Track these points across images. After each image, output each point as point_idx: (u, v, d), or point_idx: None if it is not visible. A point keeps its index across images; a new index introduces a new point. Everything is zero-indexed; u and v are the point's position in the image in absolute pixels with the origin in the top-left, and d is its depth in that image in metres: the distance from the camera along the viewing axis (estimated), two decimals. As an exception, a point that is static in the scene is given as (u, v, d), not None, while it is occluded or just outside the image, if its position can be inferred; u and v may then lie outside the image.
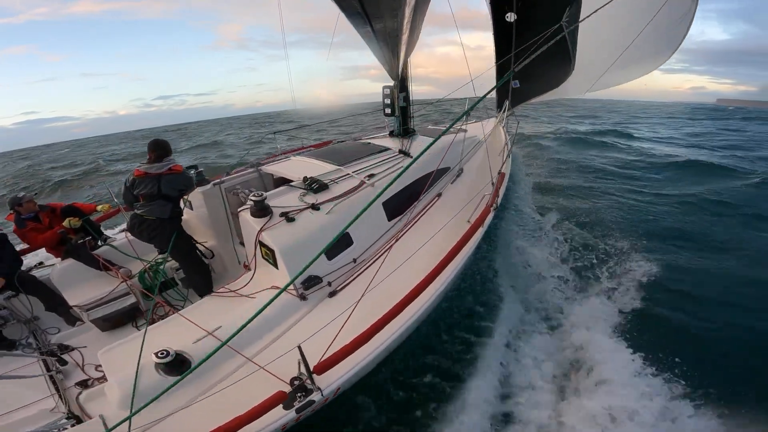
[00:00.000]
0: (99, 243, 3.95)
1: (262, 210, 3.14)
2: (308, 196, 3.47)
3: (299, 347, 2.15)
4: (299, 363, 2.16)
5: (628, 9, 5.42)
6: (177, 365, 2.30)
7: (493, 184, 4.38)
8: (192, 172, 3.98)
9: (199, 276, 3.66)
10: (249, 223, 3.17)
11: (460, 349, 3.79)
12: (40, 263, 4.06)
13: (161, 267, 3.83)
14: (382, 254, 3.44)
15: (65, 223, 3.79)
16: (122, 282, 3.61)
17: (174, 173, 3.26)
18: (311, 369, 2.13)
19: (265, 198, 3.15)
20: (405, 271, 3.08)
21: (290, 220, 3.15)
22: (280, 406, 2.03)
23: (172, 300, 3.69)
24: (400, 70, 4.79)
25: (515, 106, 7.19)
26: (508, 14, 6.56)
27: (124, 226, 4.35)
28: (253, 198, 3.13)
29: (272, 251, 2.98)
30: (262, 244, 3.07)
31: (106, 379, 2.87)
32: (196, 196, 4.02)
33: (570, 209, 7.51)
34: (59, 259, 3.87)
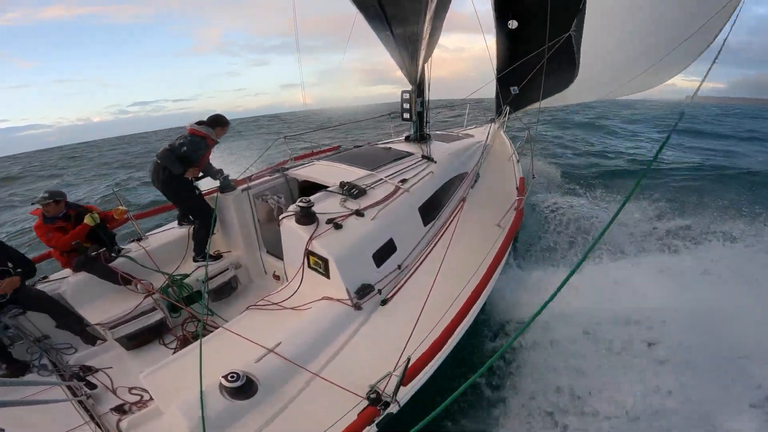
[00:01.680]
0: (113, 255, 3.67)
1: (308, 217, 3.03)
2: (349, 202, 3.38)
3: (405, 360, 2.04)
4: (389, 375, 2.08)
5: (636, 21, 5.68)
6: (246, 389, 2.15)
7: (517, 188, 4.46)
8: (220, 177, 3.80)
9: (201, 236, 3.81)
10: (294, 231, 3.04)
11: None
12: (44, 277, 3.72)
13: (185, 280, 3.63)
14: (423, 259, 3.42)
15: (86, 219, 3.40)
16: (147, 296, 3.37)
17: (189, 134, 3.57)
18: (402, 381, 2.03)
19: (313, 204, 3.04)
20: (448, 275, 3.06)
21: (338, 227, 3.05)
22: (374, 423, 1.93)
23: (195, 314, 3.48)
24: (418, 75, 4.78)
25: (515, 111, 7.35)
26: (511, 21, 6.73)
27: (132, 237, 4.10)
28: (300, 204, 3.01)
29: (325, 261, 2.86)
30: (311, 253, 2.95)
31: (145, 404, 2.67)
32: (225, 202, 3.83)
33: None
34: (65, 270, 3.57)
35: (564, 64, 6.10)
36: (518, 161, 5.59)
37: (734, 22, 2.88)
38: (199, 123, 3.67)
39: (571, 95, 7.03)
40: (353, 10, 4.53)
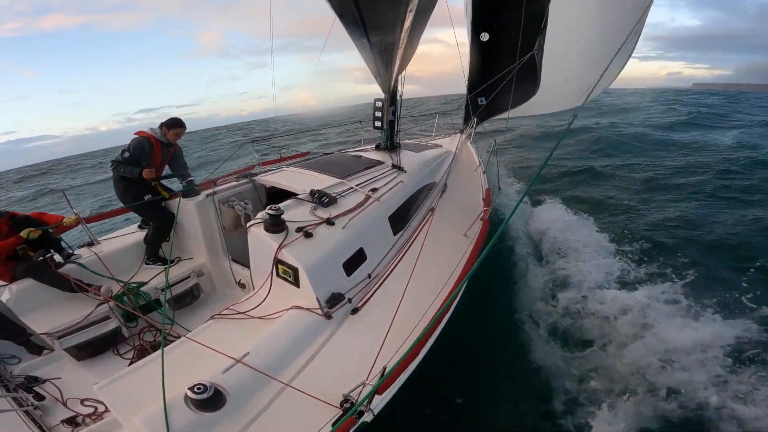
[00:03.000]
0: (61, 260, 3.42)
1: (277, 225, 2.97)
2: (320, 210, 3.36)
3: (380, 369, 2.05)
4: (363, 384, 2.08)
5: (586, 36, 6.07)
6: (214, 400, 2.08)
7: (483, 199, 4.60)
8: (182, 182, 3.68)
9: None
10: (263, 239, 2.98)
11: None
12: None
13: (141, 288, 3.46)
14: (393, 268, 3.45)
15: (23, 233, 3.19)
16: (101, 303, 3.18)
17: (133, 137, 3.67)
18: (377, 389, 2.04)
19: (283, 212, 2.99)
20: (418, 285, 3.11)
21: (308, 235, 3.02)
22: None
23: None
24: (392, 84, 4.83)
25: (482, 122, 7.58)
26: (483, 34, 6.98)
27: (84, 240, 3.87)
28: (270, 212, 2.94)
29: (295, 269, 2.82)
30: (280, 262, 2.90)
31: (100, 416, 2.53)
32: (187, 207, 3.69)
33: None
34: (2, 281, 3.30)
35: (527, 79, 6.38)
36: (484, 172, 5.77)
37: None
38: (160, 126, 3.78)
39: (535, 107, 7.37)
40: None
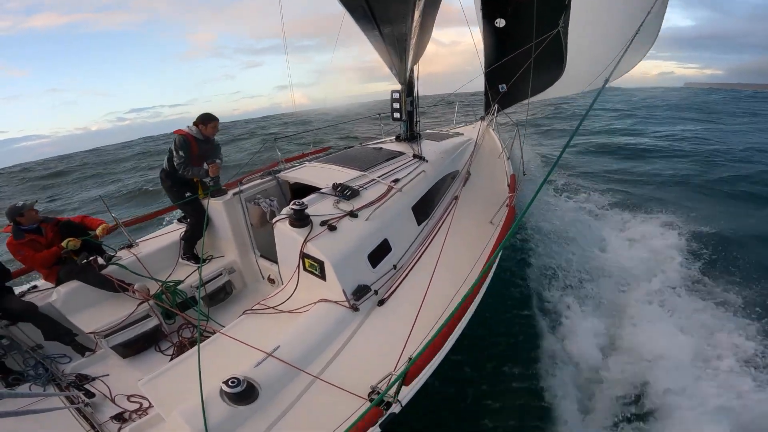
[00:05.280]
0: (103, 263, 3.63)
1: (302, 220, 3.03)
2: (342, 203, 3.39)
3: (406, 360, 2.05)
4: (390, 376, 2.10)
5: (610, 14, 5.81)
6: (247, 394, 2.16)
7: (508, 185, 4.51)
8: (208, 179, 3.79)
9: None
10: (288, 234, 3.04)
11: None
12: (34, 287, 3.67)
13: (178, 287, 3.61)
14: (418, 258, 3.45)
15: (63, 243, 3.37)
16: (141, 302, 3.35)
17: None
18: (404, 380, 2.05)
19: (306, 207, 3.05)
20: (444, 274, 3.09)
21: (332, 228, 3.06)
22: (377, 424, 1.95)
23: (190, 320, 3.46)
24: (407, 74, 4.80)
25: (504, 108, 7.41)
26: (498, 20, 6.80)
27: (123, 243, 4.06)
28: (294, 207, 3.00)
29: (320, 263, 2.87)
30: (306, 256, 2.96)
31: (145, 412, 2.66)
32: (215, 207, 3.81)
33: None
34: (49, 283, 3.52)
35: (552, 61, 6.17)
36: (508, 158, 5.65)
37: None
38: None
39: (554, 90, 7.13)
40: (342, 9, 4.53)
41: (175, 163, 3.64)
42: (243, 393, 2.11)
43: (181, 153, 3.60)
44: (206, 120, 3.72)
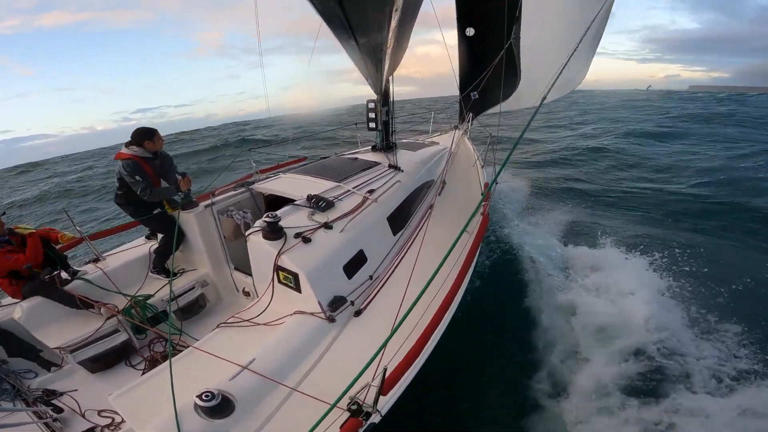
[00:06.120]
0: (68, 278, 3.50)
1: (275, 232, 3.02)
2: (317, 215, 3.40)
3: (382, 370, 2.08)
4: (368, 386, 2.12)
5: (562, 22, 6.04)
6: (222, 407, 2.13)
7: (482, 194, 4.61)
8: (180, 194, 3.70)
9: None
10: (262, 246, 3.02)
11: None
12: None
13: (148, 301, 3.52)
14: (394, 269, 3.49)
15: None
16: (110, 317, 3.25)
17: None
18: (381, 390, 2.07)
19: (280, 219, 3.04)
20: (420, 282, 3.13)
21: (307, 240, 3.06)
22: None
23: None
24: (383, 85, 4.86)
25: (476, 116, 7.58)
26: (468, 29, 6.98)
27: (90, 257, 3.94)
28: (267, 219, 2.99)
29: (295, 275, 2.86)
30: (281, 269, 2.94)
31: (117, 426, 2.61)
32: (187, 219, 3.74)
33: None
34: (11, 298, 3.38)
35: (509, 71, 6.36)
36: (482, 167, 5.78)
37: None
38: (127, 144, 3.50)
39: (524, 100, 7.34)
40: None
41: (138, 192, 3.43)
42: (218, 407, 2.08)
43: (137, 178, 3.39)
44: (150, 134, 3.48)
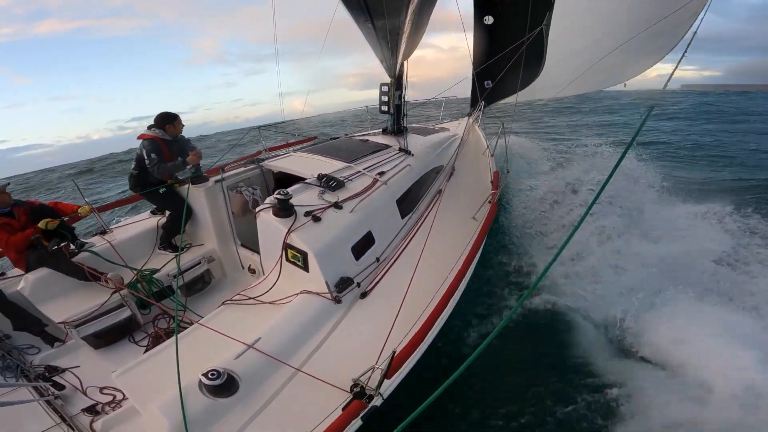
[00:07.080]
0: (75, 249, 3.47)
1: (286, 210, 2.97)
2: (327, 194, 3.34)
3: (389, 353, 2.04)
4: (372, 369, 2.08)
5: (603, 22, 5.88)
6: (227, 386, 2.10)
7: (492, 182, 4.55)
8: (188, 167, 3.66)
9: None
10: (272, 224, 2.98)
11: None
12: (2, 274, 3.49)
13: (154, 276, 3.50)
14: (401, 252, 3.44)
15: (41, 224, 3.26)
16: (115, 292, 3.22)
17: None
18: (386, 374, 2.04)
19: (291, 197, 2.99)
20: (426, 267, 3.10)
21: (317, 219, 3.02)
22: (359, 417, 1.93)
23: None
24: (397, 68, 4.76)
25: (489, 105, 7.46)
26: (486, 17, 6.83)
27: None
28: (278, 196, 2.94)
29: (304, 254, 2.82)
30: (290, 247, 2.90)
31: (119, 404, 2.58)
32: (196, 194, 3.70)
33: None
34: (17, 269, 3.39)
35: (531, 58, 6.24)
36: (492, 155, 5.69)
37: (703, 16, 3.02)
38: (149, 127, 3.66)
39: (543, 90, 7.22)
40: (339, 14, 4.48)
41: (148, 166, 3.56)
42: (223, 385, 2.06)
43: (153, 156, 3.52)
44: (171, 118, 3.63)
